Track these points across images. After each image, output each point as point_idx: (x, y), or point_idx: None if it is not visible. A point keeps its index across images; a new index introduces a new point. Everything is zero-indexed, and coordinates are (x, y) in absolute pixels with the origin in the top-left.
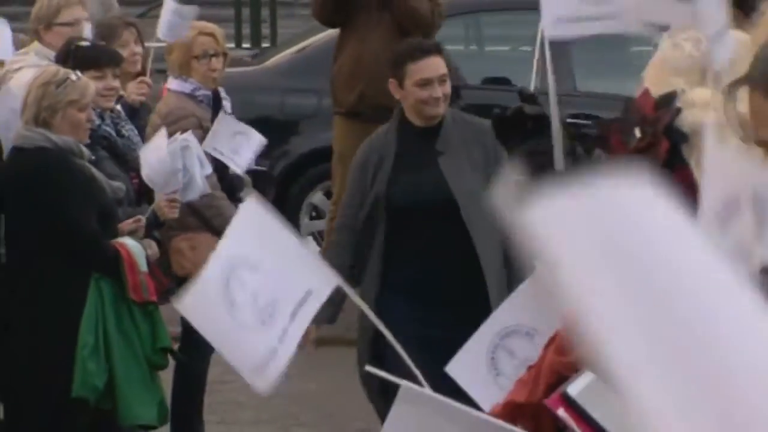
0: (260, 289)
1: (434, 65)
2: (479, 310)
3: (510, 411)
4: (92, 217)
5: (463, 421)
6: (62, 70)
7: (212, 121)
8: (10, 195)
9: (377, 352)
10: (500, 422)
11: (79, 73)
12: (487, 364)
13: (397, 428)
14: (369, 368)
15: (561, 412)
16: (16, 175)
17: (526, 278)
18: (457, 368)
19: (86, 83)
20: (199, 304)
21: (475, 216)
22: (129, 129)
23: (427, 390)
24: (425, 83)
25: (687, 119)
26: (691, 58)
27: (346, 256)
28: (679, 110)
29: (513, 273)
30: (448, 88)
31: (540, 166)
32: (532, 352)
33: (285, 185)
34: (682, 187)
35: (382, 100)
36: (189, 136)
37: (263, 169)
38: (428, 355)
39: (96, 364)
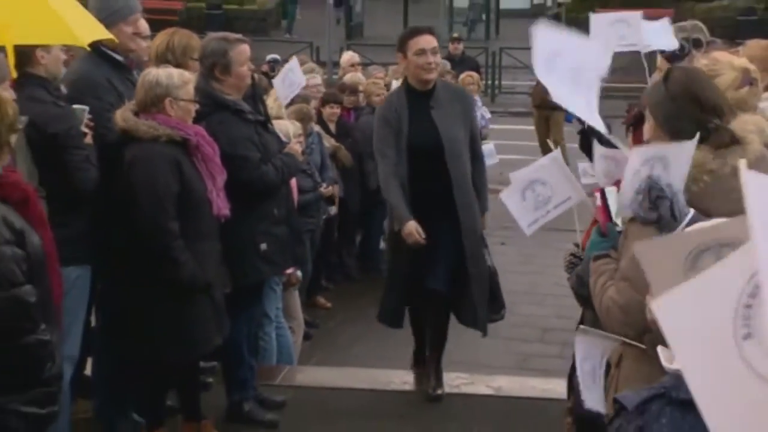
0: (542, 194)
1: (427, 40)
2: (450, 219)
3: None
4: None
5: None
6: None
7: None
8: None
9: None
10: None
11: None
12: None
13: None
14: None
15: (597, 195)
16: None
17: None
18: (506, 197)
19: None
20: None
21: (454, 155)
22: None
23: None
24: (421, 53)
25: None
26: None
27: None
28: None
29: (480, 196)
30: (438, 59)
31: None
32: (548, 192)
33: None
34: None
35: None
36: None
37: None
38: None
39: None
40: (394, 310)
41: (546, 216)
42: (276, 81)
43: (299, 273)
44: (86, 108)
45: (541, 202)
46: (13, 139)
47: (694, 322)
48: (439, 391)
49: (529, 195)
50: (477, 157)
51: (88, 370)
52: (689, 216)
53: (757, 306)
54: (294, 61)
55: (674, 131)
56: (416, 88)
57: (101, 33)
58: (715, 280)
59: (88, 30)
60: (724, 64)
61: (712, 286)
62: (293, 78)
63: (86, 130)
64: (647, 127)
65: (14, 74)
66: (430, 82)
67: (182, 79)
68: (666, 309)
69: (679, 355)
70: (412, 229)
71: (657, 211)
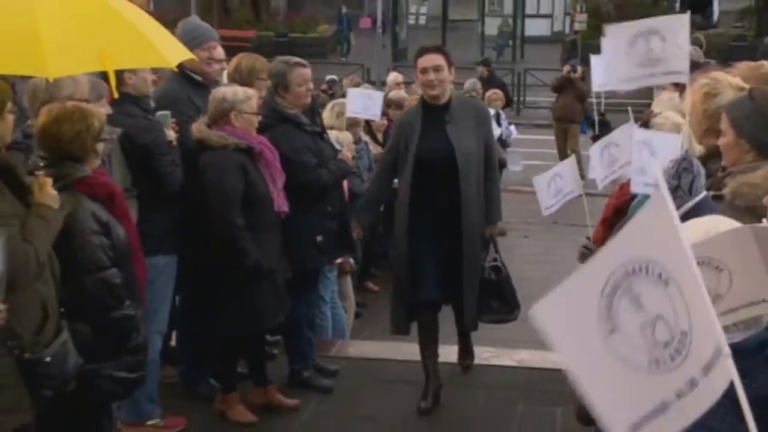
0: (614, 154)
1: (430, 59)
2: (456, 228)
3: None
4: None
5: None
6: None
7: None
8: None
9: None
10: None
11: None
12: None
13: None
14: None
15: None
16: None
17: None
18: (593, 152)
19: None
20: None
21: (467, 170)
22: None
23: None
24: (423, 71)
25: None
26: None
27: (383, 190)
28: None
29: (489, 207)
30: (442, 75)
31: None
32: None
33: None
34: None
35: None
36: None
37: None
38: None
39: None
40: (400, 318)
41: (614, 174)
42: (352, 94)
43: (352, 261)
44: (168, 113)
45: (612, 162)
46: (100, 147)
47: (569, 323)
48: (469, 362)
49: (606, 154)
50: (492, 167)
51: (173, 342)
52: (701, 195)
53: (616, 303)
54: (379, 96)
55: (762, 143)
56: (432, 102)
57: (185, 54)
58: (579, 283)
59: (175, 52)
60: (724, 83)
61: (579, 289)
62: (371, 106)
63: (172, 133)
64: (726, 140)
65: (116, 95)
66: (436, 98)
67: (246, 95)
68: (543, 314)
69: (561, 353)
70: (356, 227)
71: (678, 180)
